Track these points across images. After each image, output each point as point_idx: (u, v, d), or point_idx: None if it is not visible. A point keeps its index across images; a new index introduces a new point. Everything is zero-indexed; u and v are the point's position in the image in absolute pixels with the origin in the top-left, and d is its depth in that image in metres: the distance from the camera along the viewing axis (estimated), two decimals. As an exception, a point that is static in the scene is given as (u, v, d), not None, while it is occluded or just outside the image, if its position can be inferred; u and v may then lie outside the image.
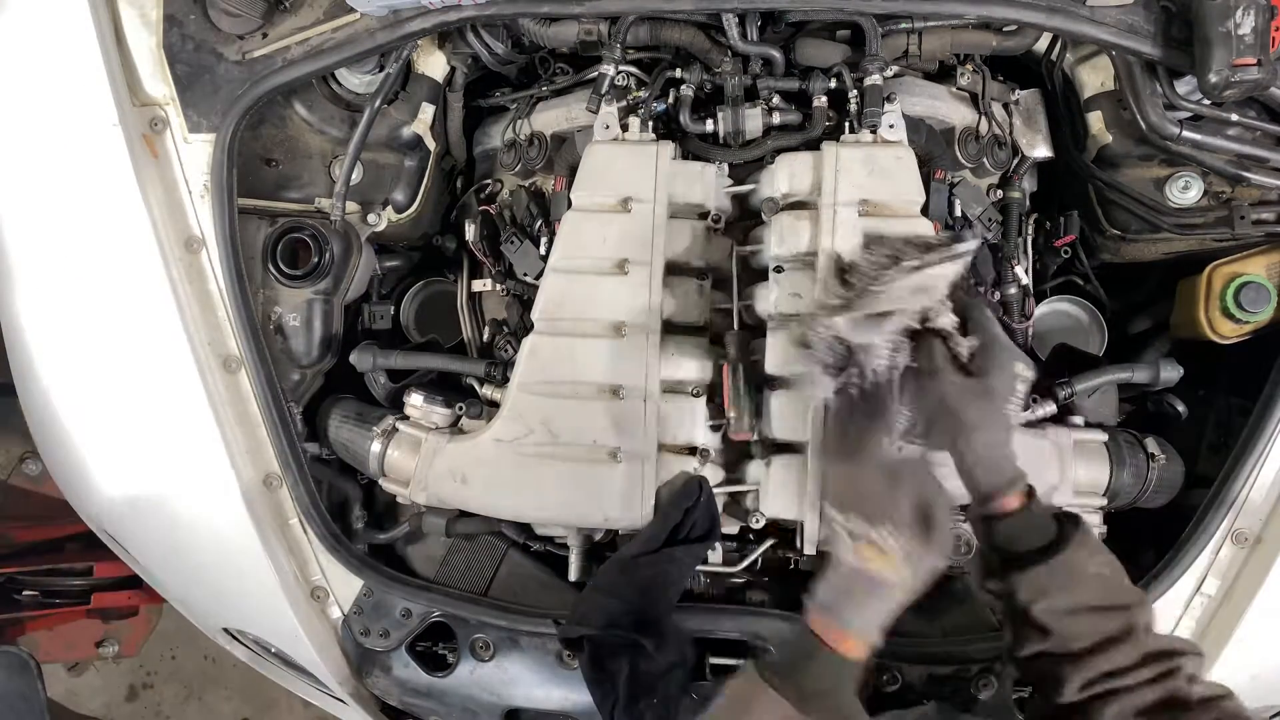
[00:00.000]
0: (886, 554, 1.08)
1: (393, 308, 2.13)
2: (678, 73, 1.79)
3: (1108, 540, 1.74)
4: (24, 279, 1.77)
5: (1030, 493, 1.20)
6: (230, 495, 1.74)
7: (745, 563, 1.77)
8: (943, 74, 1.88)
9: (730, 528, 1.78)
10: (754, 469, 1.72)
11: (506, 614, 1.77)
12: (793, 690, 1.10)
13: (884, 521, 1.09)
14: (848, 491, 1.15)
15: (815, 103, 1.74)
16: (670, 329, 1.71)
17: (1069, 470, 1.67)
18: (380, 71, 1.83)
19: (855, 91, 1.71)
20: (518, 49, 1.90)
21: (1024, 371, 1.11)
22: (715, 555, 1.78)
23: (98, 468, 1.80)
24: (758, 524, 1.71)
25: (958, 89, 1.87)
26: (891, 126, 1.70)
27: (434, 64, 1.91)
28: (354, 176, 1.82)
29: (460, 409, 1.82)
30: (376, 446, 1.81)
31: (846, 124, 1.73)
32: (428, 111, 1.91)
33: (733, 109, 1.74)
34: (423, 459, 1.76)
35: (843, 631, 1.12)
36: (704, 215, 1.75)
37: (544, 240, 1.88)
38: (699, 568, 1.78)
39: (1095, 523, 1.71)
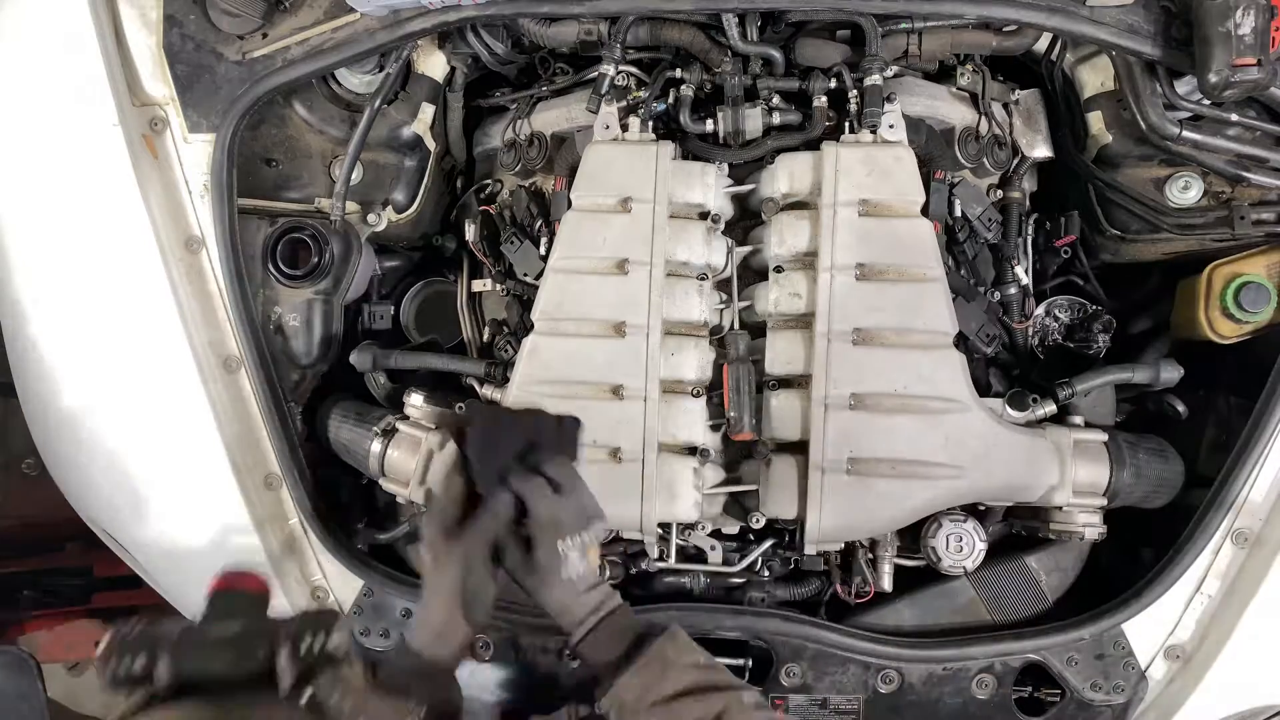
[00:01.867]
0: None
1: (393, 308, 2.13)
2: (678, 73, 1.79)
3: (1108, 540, 1.74)
4: (24, 279, 1.77)
5: (609, 612, 1.31)
6: (230, 496, 1.74)
7: (745, 563, 1.77)
8: (943, 74, 1.88)
9: (730, 527, 1.78)
10: (754, 469, 1.72)
11: (506, 614, 1.77)
12: None
13: None
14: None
15: (815, 103, 1.74)
16: (670, 329, 1.71)
17: (1069, 470, 1.67)
18: (380, 71, 1.83)
19: (855, 91, 1.71)
20: (518, 49, 1.90)
21: (570, 546, 1.28)
22: (715, 555, 1.78)
23: (98, 468, 1.80)
24: (757, 524, 1.71)
25: (958, 89, 1.86)
26: (891, 126, 1.70)
27: (434, 64, 1.91)
28: (354, 176, 1.82)
29: (460, 409, 1.82)
30: (376, 446, 1.81)
31: (846, 124, 1.73)
32: (428, 111, 1.91)
33: (733, 109, 1.74)
34: (422, 459, 1.76)
35: None
36: (704, 215, 1.75)
37: (544, 240, 1.88)
38: (699, 568, 1.78)
39: (1095, 523, 1.71)
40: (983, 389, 1.76)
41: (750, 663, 1.73)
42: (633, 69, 1.81)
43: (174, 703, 0.95)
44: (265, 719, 0.69)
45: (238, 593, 1.15)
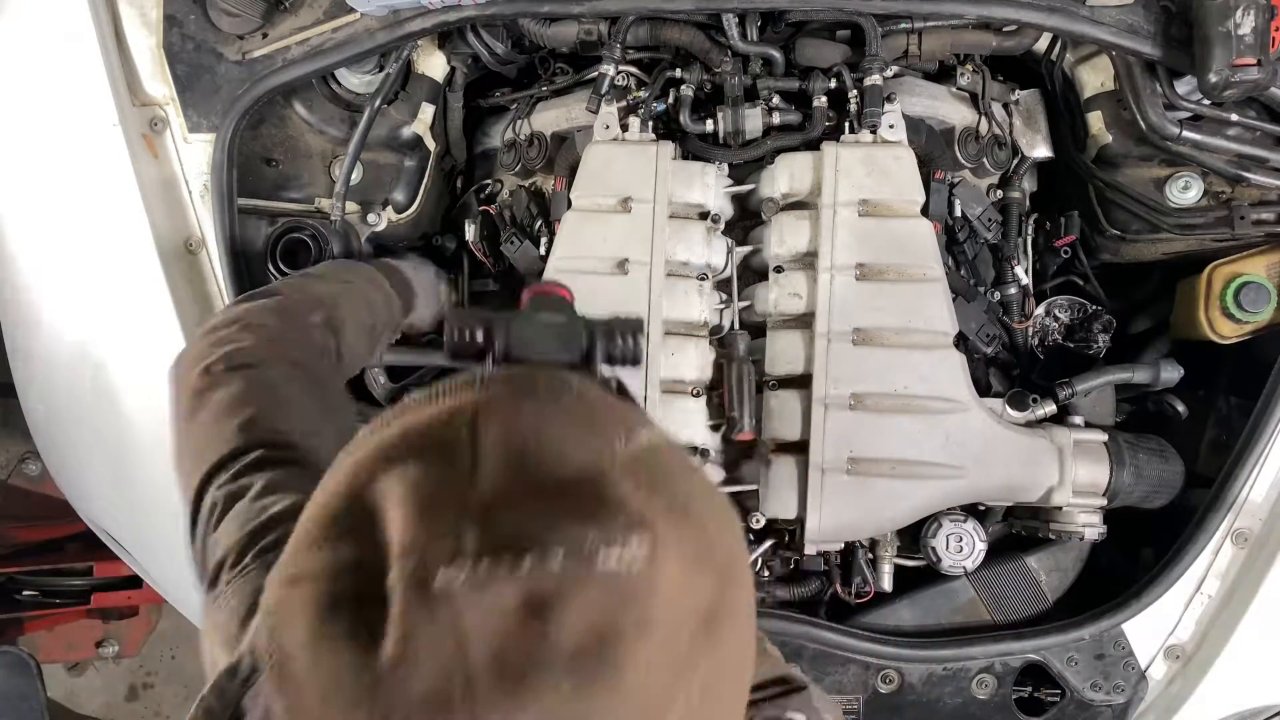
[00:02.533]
0: None
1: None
2: (678, 73, 1.79)
3: (1108, 540, 1.74)
4: (24, 279, 1.77)
5: None
6: (230, 495, 1.74)
7: (745, 563, 1.77)
8: (943, 74, 1.88)
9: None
10: (754, 469, 1.71)
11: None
12: None
13: None
14: None
15: (815, 103, 1.74)
16: (670, 329, 1.71)
17: (1069, 470, 1.67)
18: (380, 71, 1.83)
19: (855, 91, 1.71)
20: (518, 49, 1.90)
21: None
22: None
23: (98, 468, 1.80)
24: (757, 524, 1.71)
25: (958, 89, 1.86)
26: (891, 126, 1.70)
27: (434, 64, 1.90)
28: (354, 176, 1.82)
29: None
30: (377, 446, 1.80)
31: (846, 124, 1.73)
32: (428, 111, 1.90)
33: (733, 109, 1.74)
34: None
35: None
36: (704, 215, 1.75)
37: (544, 240, 1.88)
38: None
39: (1095, 523, 1.71)
40: (983, 389, 1.76)
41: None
42: (633, 69, 1.81)
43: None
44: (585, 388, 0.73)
45: (553, 296, 1.18)
